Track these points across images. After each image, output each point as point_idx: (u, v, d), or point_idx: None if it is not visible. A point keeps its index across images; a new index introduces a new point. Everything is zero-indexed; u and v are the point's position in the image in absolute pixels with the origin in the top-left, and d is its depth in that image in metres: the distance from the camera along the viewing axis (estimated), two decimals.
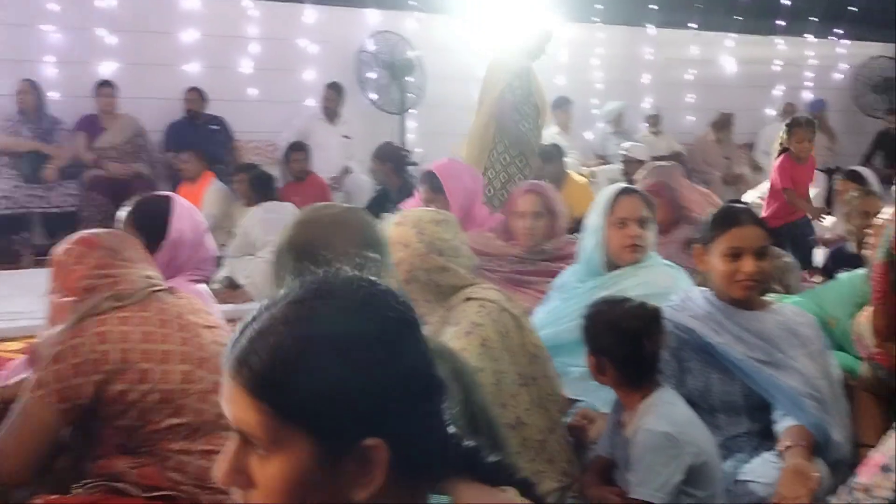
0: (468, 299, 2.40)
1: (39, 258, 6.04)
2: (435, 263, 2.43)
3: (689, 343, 2.57)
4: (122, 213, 2.79)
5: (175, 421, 2.06)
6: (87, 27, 7.47)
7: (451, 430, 1.07)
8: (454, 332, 2.33)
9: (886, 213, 3.43)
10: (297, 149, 7.36)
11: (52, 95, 7.23)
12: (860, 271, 3.42)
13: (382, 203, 6.20)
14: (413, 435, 0.99)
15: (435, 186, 4.32)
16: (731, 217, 2.61)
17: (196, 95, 7.65)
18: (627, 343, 2.24)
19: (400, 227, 2.47)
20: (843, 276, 3.55)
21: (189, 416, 2.07)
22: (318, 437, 0.95)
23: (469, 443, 1.11)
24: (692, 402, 2.58)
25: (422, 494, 1.04)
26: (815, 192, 7.94)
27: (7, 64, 7.12)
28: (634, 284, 2.98)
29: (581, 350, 2.42)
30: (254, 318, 1.01)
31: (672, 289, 2.96)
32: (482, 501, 1.07)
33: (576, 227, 3.82)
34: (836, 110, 10.67)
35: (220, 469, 1.00)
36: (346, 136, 8.04)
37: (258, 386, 0.96)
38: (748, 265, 2.53)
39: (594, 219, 3.18)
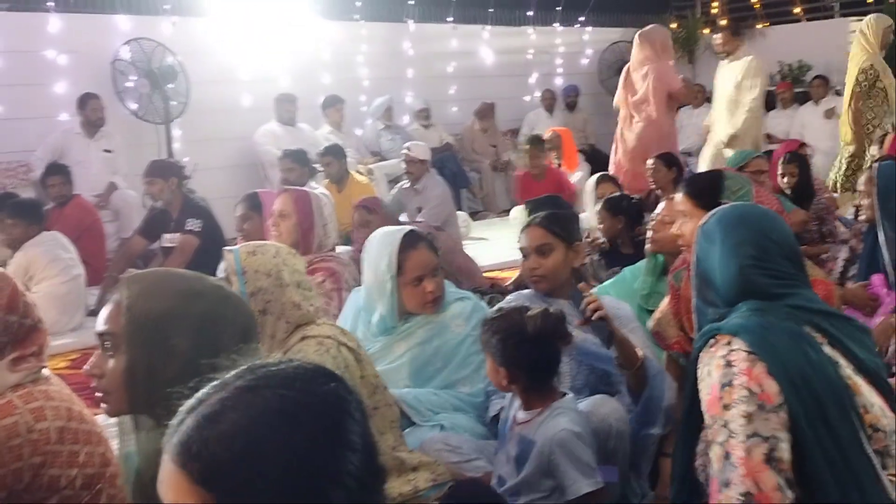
0: (304, 338, 2.35)
1: None
2: (291, 298, 2.35)
3: None
4: None
5: None
6: None
7: None
8: None
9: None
10: (54, 172, 6.52)
11: None
12: (640, 264, 3.72)
13: (163, 222, 5.88)
14: None
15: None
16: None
17: None
18: (536, 348, 2.28)
19: (260, 255, 2.37)
20: (626, 270, 3.84)
21: (103, 500, 1.89)
22: None
23: None
24: None
25: None
26: (579, 174, 8.46)
27: None
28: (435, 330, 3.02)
29: None
30: (200, 401, 0.97)
31: (476, 308, 3.09)
32: None
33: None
34: (586, 93, 11.35)
35: None
36: (107, 151, 7.55)
37: (208, 478, 0.91)
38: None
39: (381, 280, 2.97)
